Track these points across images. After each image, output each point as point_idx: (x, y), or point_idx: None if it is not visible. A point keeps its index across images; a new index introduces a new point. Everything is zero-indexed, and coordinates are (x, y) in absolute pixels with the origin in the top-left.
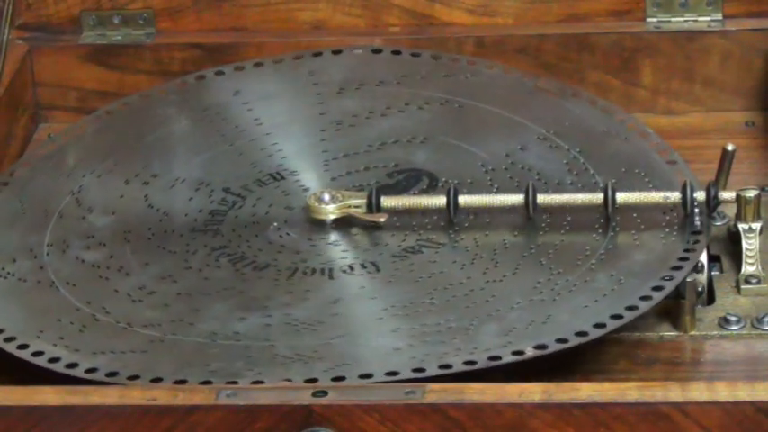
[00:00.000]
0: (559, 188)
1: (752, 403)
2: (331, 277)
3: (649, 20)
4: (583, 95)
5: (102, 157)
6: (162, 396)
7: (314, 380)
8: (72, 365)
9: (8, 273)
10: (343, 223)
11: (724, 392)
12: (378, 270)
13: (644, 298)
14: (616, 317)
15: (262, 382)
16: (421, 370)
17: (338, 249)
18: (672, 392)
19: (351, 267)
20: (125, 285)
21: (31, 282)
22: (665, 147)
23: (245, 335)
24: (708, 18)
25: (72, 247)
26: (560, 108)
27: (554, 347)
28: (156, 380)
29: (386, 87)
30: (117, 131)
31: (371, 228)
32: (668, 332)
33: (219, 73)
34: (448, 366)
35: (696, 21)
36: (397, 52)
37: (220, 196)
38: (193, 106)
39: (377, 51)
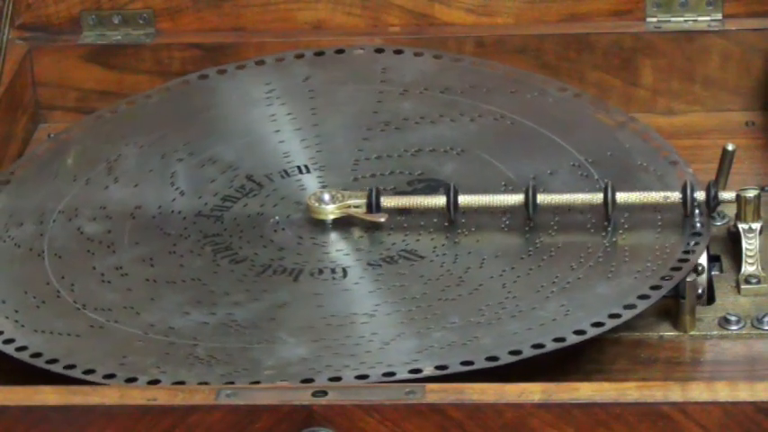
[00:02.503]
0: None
1: (752, 403)
2: (296, 279)
3: (649, 20)
4: (640, 127)
5: (151, 129)
6: (162, 396)
7: (205, 382)
8: (8, 342)
9: (9, 237)
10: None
11: (724, 392)
12: (344, 277)
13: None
14: (537, 346)
15: (182, 382)
16: (310, 381)
17: (321, 251)
18: (672, 392)
19: (320, 271)
20: (104, 263)
21: (23, 249)
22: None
23: (178, 331)
24: (708, 18)
25: (79, 217)
26: (610, 137)
27: (456, 369)
28: (69, 367)
29: (448, 95)
30: (175, 106)
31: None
32: (668, 332)
33: (299, 56)
34: (338, 379)
35: (696, 21)
36: (490, 65)
37: (241, 183)
38: (259, 87)
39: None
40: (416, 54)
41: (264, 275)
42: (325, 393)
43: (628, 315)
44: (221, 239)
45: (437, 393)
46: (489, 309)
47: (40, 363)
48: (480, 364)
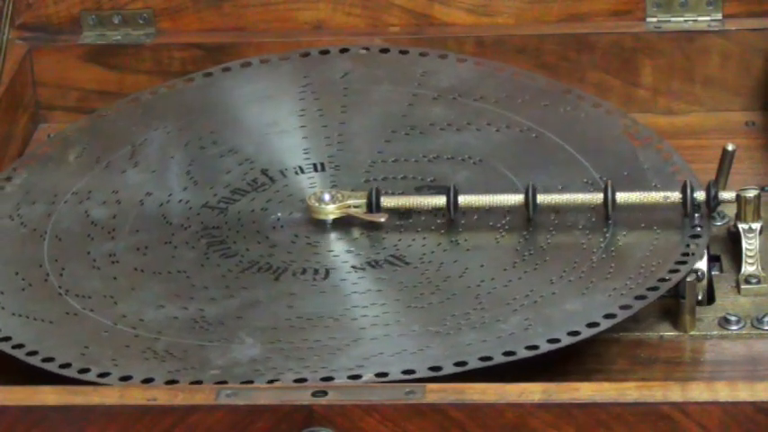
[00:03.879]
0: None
1: (752, 403)
2: (277, 278)
3: (649, 20)
4: (665, 148)
5: (184, 114)
6: (162, 396)
7: (150, 379)
8: None
9: (18, 215)
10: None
11: (724, 392)
12: (324, 278)
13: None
14: (485, 358)
15: (129, 377)
16: (250, 382)
17: (311, 251)
18: (672, 392)
19: (303, 271)
20: (100, 249)
21: (27, 229)
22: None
23: (145, 324)
24: (708, 18)
25: (90, 200)
26: (631, 156)
27: (396, 377)
28: (31, 353)
29: (480, 103)
30: (212, 93)
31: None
32: (668, 332)
33: (344, 50)
34: (275, 381)
35: (696, 21)
36: (531, 77)
37: (254, 176)
38: (297, 80)
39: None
40: (459, 60)
41: (248, 272)
42: (325, 393)
43: (587, 333)
44: (218, 233)
45: (437, 393)
46: (453, 319)
47: (6, 348)
48: (423, 372)
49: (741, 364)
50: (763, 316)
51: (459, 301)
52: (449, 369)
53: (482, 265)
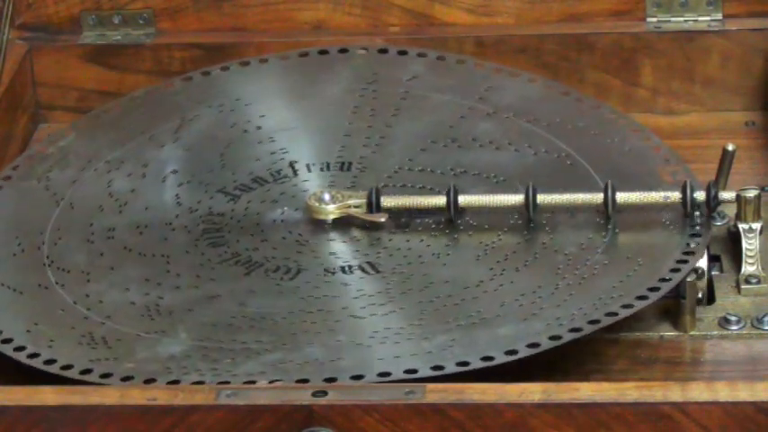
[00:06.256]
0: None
1: (752, 403)
2: (248, 274)
3: (649, 20)
4: (695, 187)
5: (242, 95)
6: (162, 396)
7: (70, 366)
8: None
9: (46, 178)
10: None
11: (724, 392)
12: (291, 279)
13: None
14: (383, 374)
15: (54, 361)
16: (152, 380)
17: (295, 250)
18: (672, 392)
19: (276, 269)
20: (103, 223)
21: (48, 193)
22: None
23: (100, 307)
24: (708, 18)
25: (119, 170)
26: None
27: (289, 385)
28: None
29: (531, 125)
30: (283, 76)
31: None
32: (668, 332)
33: (422, 55)
34: (176, 382)
35: (696, 21)
36: (596, 105)
37: (279, 167)
38: (365, 76)
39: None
40: (530, 80)
41: (225, 264)
42: (325, 393)
43: (502, 359)
44: (219, 220)
45: (437, 393)
46: (384, 333)
47: None
48: (317, 381)
49: (741, 364)
50: (763, 316)
51: (403, 315)
52: (344, 381)
53: (446, 282)
